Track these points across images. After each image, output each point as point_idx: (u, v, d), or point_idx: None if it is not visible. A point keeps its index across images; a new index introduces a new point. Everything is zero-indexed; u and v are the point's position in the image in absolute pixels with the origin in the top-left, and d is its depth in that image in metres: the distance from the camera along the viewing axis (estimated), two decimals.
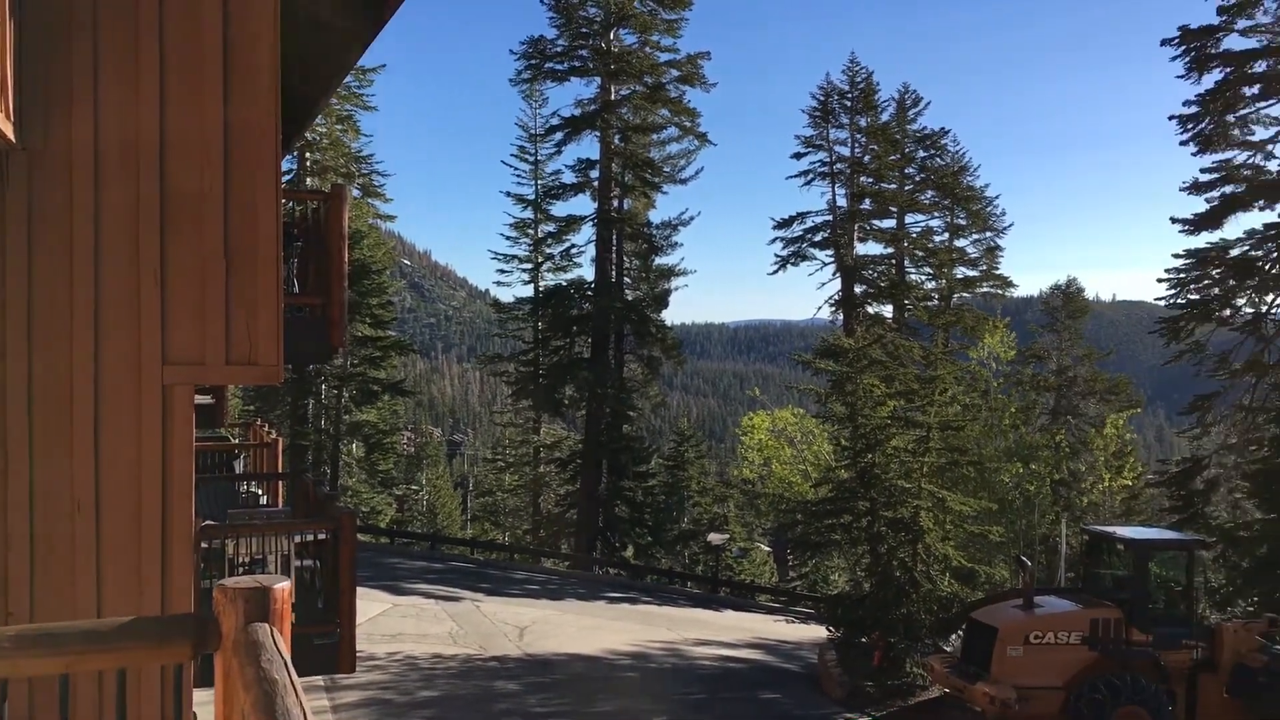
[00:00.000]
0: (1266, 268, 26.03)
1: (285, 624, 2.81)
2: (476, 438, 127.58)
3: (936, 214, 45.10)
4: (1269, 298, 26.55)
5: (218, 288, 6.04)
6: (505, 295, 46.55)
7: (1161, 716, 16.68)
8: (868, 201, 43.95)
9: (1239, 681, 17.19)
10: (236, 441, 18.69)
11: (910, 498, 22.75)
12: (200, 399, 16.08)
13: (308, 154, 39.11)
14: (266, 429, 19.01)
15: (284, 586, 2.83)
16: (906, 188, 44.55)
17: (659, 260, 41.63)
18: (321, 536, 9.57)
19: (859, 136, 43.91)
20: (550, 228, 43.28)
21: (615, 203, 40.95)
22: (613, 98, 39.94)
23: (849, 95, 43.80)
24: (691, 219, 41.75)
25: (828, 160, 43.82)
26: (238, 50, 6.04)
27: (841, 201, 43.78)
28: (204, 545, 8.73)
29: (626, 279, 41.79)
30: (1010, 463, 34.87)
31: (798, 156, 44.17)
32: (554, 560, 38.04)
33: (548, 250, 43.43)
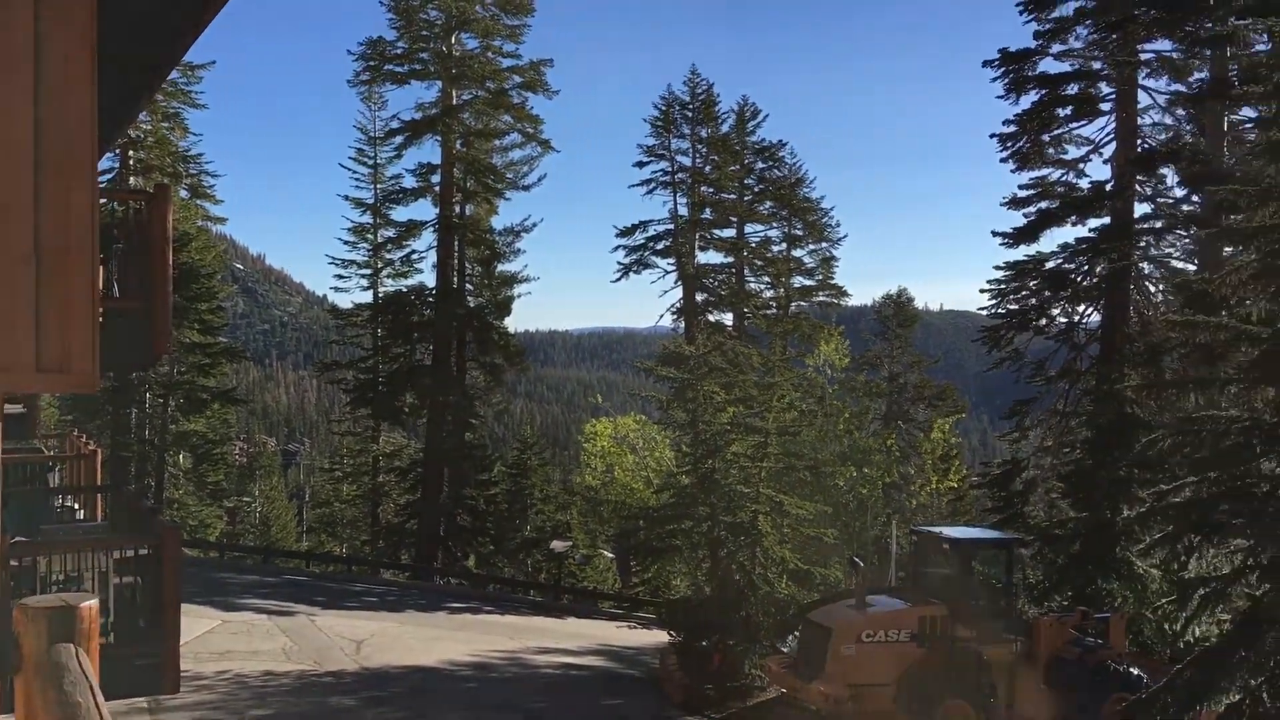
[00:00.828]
0: (1078, 280, 27.50)
1: (93, 644, 2.67)
2: (313, 447, 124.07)
3: (775, 224, 46.26)
4: (1081, 308, 28.07)
5: (26, 290, 5.70)
6: (343, 301, 45.56)
7: (985, 709, 17.43)
8: (708, 211, 44.74)
9: (1055, 673, 18.12)
10: (51, 453, 17.70)
11: (749, 502, 23.24)
12: (10, 408, 15.19)
13: (131, 152, 37.41)
14: (85, 439, 18.09)
15: (90, 604, 2.69)
16: (746, 198, 45.50)
17: (502, 267, 41.46)
18: (143, 551, 9.16)
19: (700, 147, 44.68)
20: (390, 233, 42.61)
21: (457, 208, 40.57)
22: (454, 102, 39.56)
23: (690, 106, 44.51)
24: (535, 225, 41.75)
25: (669, 170, 44.44)
26: (50, 41, 5.73)
27: (683, 210, 44.45)
28: (13, 563, 8.27)
29: (469, 285, 41.44)
30: (845, 467, 35.93)
31: (640, 165, 44.71)
32: (394, 571, 37.25)
33: (388, 255, 42.72)
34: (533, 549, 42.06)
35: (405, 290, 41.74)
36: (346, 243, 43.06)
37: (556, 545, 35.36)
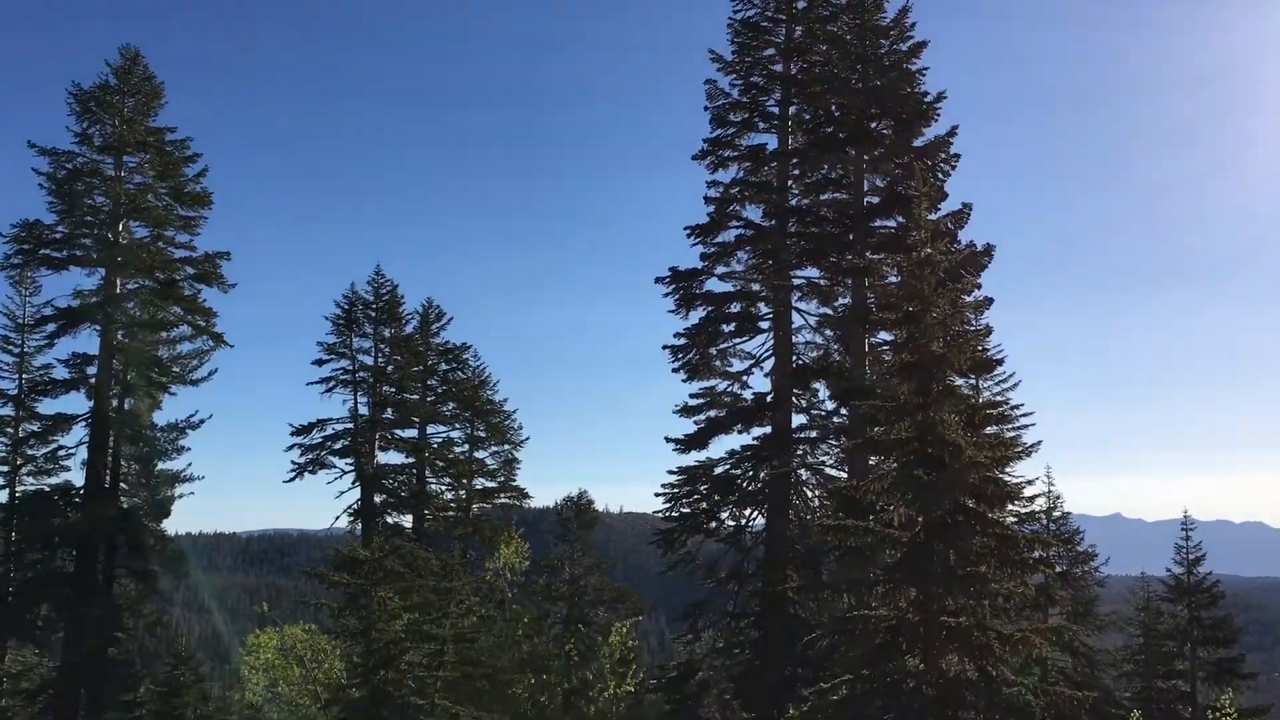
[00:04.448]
0: (744, 485, 29.08)
1: None
2: None
3: (458, 425, 46.16)
4: (747, 512, 29.57)
5: None
6: None
7: None
8: (390, 411, 44.12)
9: None
10: None
11: (424, 715, 22.19)
12: None
13: None
14: None
15: None
16: (429, 399, 45.33)
17: (162, 465, 38.62)
18: None
19: (383, 346, 44.33)
20: (35, 426, 38.85)
21: (115, 402, 37.80)
22: (118, 291, 37.40)
23: (374, 306, 44.34)
24: (202, 422, 39.30)
25: (351, 368, 43.67)
26: None
27: (364, 410, 43.58)
28: None
29: (124, 485, 38.27)
30: (524, 674, 35.16)
31: (320, 363, 43.67)
32: None
33: (29, 452, 38.76)
34: None
35: (48, 489, 37.92)
36: None
37: None
